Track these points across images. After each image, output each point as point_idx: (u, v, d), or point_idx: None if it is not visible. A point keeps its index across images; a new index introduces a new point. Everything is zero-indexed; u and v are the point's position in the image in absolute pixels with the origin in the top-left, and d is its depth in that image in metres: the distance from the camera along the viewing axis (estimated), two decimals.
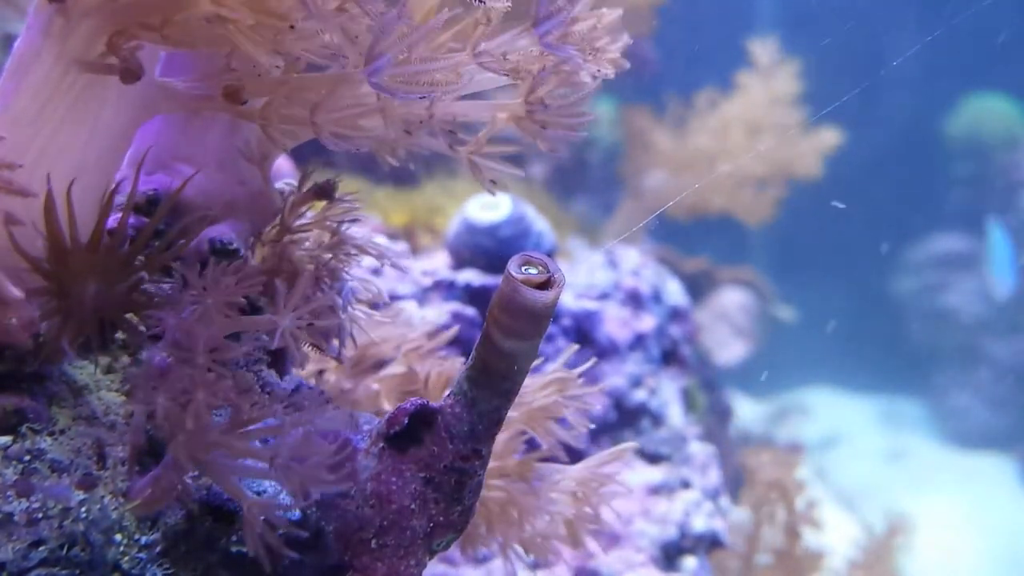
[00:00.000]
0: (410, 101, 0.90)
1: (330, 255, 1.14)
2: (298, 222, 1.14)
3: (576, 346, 1.32)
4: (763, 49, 4.35)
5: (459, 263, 2.40)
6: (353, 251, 1.15)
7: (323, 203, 1.15)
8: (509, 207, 2.37)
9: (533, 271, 0.85)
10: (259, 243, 1.15)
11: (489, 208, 2.36)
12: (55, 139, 0.88)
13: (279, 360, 1.13)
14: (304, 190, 1.14)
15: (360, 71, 0.86)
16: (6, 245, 0.82)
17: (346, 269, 1.16)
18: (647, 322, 2.63)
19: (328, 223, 1.15)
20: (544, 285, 0.84)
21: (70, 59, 0.87)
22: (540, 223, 2.44)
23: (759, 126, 4.25)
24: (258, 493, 0.90)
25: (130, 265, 0.85)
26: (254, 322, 0.94)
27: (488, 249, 2.35)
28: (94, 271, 0.83)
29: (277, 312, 0.93)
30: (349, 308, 1.19)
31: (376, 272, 1.74)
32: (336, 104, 0.91)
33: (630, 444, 1.32)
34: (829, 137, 4.31)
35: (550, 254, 2.42)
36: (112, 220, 0.96)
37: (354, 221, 1.16)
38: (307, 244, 1.15)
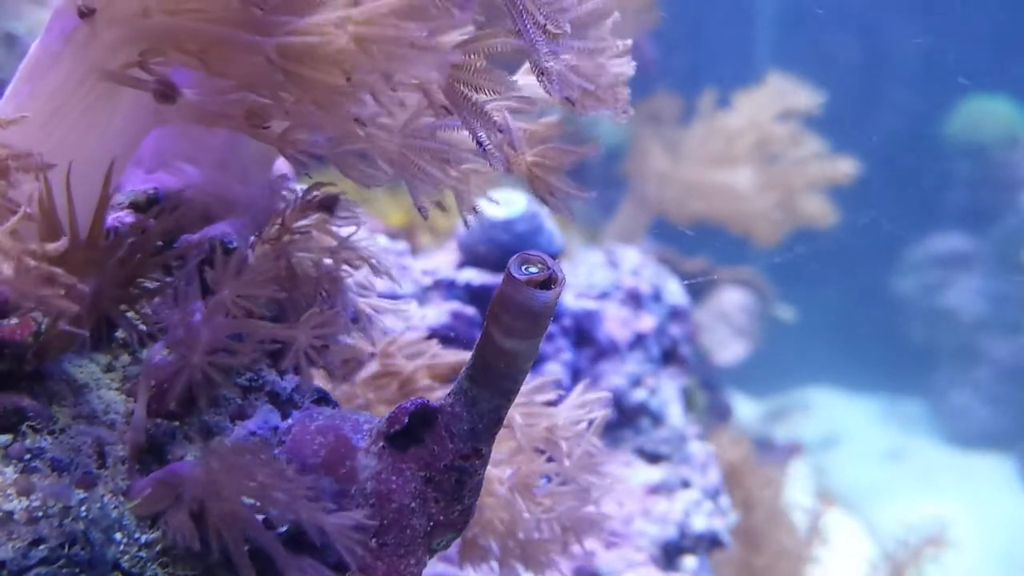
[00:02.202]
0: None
1: (331, 261, 1.14)
2: (299, 223, 1.14)
3: (582, 385, 1.33)
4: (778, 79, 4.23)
5: (472, 259, 2.42)
6: (355, 259, 1.15)
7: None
8: (524, 203, 2.42)
9: (534, 270, 0.85)
10: (259, 242, 1.15)
11: (505, 204, 2.41)
12: (65, 142, 0.88)
13: (278, 359, 1.13)
14: (308, 198, 1.14)
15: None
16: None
17: (347, 276, 1.16)
18: (647, 322, 2.63)
19: (329, 226, 1.15)
20: (545, 284, 0.84)
21: (90, 66, 0.86)
22: (550, 222, 2.50)
23: (766, 140, 4.15)
24: None
25: (129, 261, 0.85)
26: (270, 330, 0.94)
27: (504, 244, 2.38)
28: (93, 266, 0.83)
29: (295, 326, 0.93)
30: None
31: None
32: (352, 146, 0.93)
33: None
34: (844, 167, 4.16)
35: (555, 255, 2.46)
36: (113, 219, 0.96)
37: (356, 227, 1.16)
38: (309, 245, 1.15)
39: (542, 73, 0.88)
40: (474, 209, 1.04)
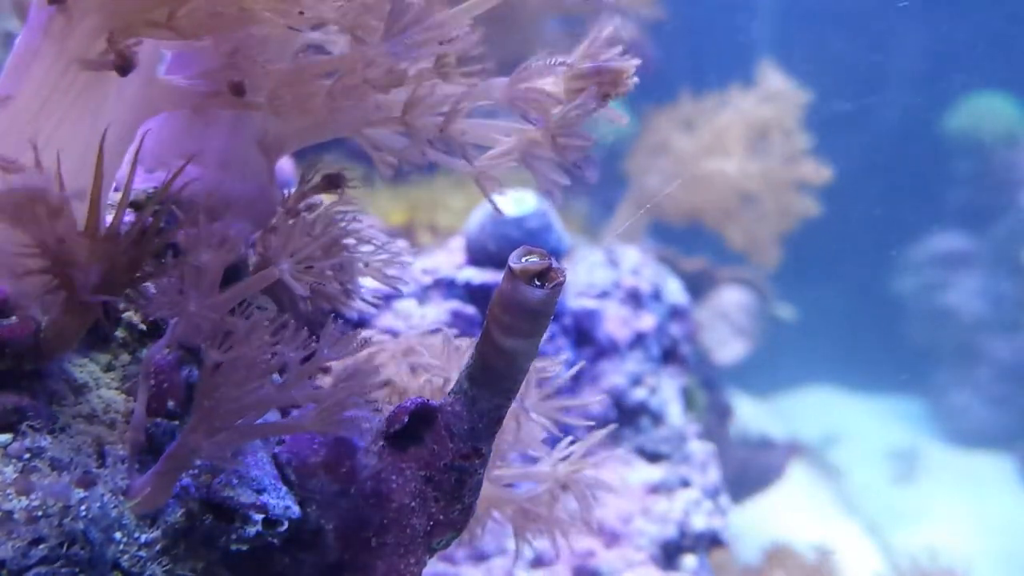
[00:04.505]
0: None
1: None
2: (303, 204, 1.13)
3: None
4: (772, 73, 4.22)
5: (481, 256, 2.42)
6: (357, 242, 1.14)
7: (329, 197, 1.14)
8: (535, 201, 2.45)
9: (534, 259, 0.84)
10: (260, 242, 1.15)
11: (516, 202, 2.44)
12: (55, 137, 0.88)
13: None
14: (310, 180, 1.13)
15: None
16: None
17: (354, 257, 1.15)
18: (647, 321, 2.63)
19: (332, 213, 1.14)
20: (544, 274, 0.84)
21: (70, 58, 0.86)
22: (557, 221, 2.51)
23: (762, 128, 4.15)
24: (258, 491, 0.90)
25: (127, 254, 0.85)
26: (248, 284, 0.91)
27: (516, 240, 2.40)
28: (93, 259, 0.82)
29: (275, 258, 0.90)
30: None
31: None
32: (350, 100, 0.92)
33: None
34: (819, 172, 4.15)
35: (562, 253, 2.50)
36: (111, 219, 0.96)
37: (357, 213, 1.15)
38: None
39: None
40: (496, 193, 1.04)
